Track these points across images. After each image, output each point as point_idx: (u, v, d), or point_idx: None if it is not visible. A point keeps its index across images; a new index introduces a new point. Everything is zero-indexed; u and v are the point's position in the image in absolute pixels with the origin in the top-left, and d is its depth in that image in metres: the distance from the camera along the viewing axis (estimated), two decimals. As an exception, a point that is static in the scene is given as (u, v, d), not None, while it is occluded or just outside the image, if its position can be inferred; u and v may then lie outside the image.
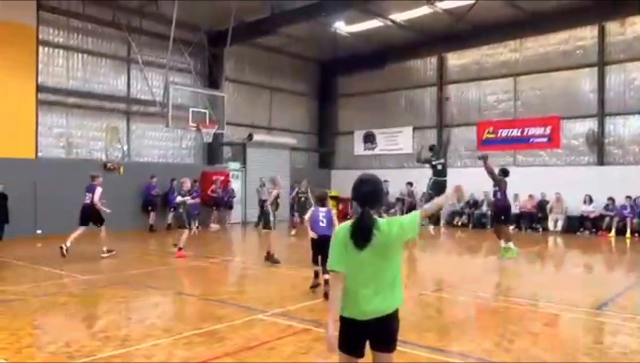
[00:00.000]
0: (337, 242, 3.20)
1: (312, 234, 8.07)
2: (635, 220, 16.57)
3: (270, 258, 10.98)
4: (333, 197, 20.60)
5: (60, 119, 16.73)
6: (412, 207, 15.03)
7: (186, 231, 12.07)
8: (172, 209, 17.81)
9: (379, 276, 3.14)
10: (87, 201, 11.49)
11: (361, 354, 3.20)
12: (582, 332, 6.46)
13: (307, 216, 8.38)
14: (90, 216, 11.50)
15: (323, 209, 8.15)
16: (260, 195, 17.26)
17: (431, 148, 15.28)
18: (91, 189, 11.54)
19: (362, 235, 3.10)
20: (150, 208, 17.43)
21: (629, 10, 17.35)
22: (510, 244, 11.37)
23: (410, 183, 20.23)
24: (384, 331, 3.19)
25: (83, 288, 8.50)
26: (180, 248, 11.78)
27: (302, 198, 16.61)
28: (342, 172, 24.54)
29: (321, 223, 7.98)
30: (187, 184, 12.44)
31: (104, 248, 11.66)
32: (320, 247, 7.67)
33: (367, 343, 3.21)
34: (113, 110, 17.96)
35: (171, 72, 17.19)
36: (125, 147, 18.25)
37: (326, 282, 7.31)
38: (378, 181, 3.34)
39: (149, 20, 18.19)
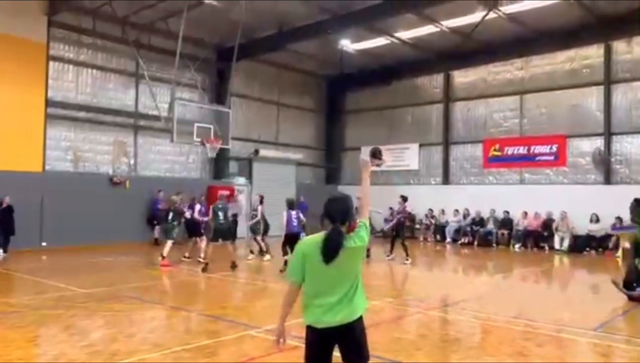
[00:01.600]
0: (298, 254, 3.38)
1: (286, 231, 11.33)
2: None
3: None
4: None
5: (68, 132, 16.99)
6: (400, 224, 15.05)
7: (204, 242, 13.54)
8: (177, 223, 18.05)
9: (342, 286, 3.31)
10: (188, 216, 14.08)
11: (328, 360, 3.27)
12: (574, 353, 6.38)
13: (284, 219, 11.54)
14: (193, 229, 14.25)
15: (293, 212, 11.60)
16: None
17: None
18: (191, 206, 14.30)
19: (331, 251, 3.22)
20: (155, 222, 17.55)
21: (636, 30, 17.33)
22: None
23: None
24: (351, 338, 3.32)
25: (80, 302, 8.56)
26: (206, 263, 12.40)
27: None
28: (349, 188, 24.48)
29: (294, 223, 11.50)
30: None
31: (201, 257, 13.18)
32: (292, 241, 10.86)
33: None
34: (121, 124, 18.22)
35: (178, 88, 17.41)
36: (132, 161, 18.46)
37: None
38: (347, 198, 3.49)
39: (157, 37, 18.49)
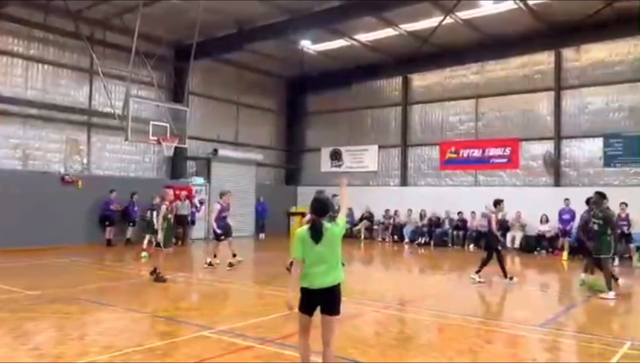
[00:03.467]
0: (297, 240, 4.75)
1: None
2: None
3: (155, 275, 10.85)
4: (300, 213, 20.64)
5: (17, 129, 16.35)
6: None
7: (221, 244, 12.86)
8: (131, 224, 17.67)
9: (327, 259, 4.66)
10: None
11: (311, 314, 4.72)
12: (522, 348, 6.58)
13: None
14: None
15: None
16: (180, 210, 17.14)
17: None
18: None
19: (316, 235, 4.66)
20: (107, 223, 17.09)
21: (584, 39, 18.07)
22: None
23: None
24: (330, 298, 4.67)
25: (28, 304, 8.25)
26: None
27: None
28: (309, 188, 24.51)
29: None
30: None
31: (208, 260, 12.96)
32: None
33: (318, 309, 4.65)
34: (73, 122, 17.65)
35: (134, 85, 17.04)
36: (85, 160, 17.92)
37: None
38: (326, 199, 4.94)
39: (112, 32, 18.04)
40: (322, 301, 4.65)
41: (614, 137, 17.92)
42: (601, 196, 10.32)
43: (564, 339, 7.01)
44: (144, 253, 14.45)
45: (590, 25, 16.75)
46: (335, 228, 4.71)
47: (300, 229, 4.82)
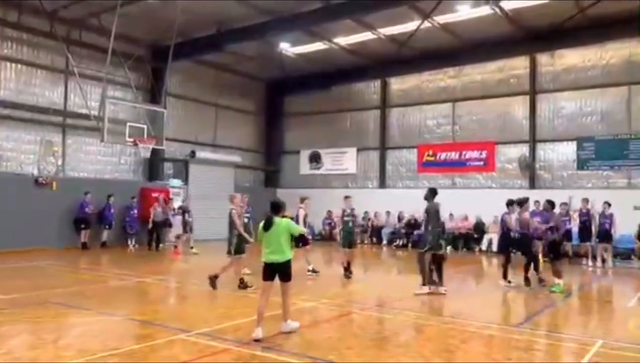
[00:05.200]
0: (260, 228, 6.93)
1: None
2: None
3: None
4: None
5: (-11, 130, 16.02)
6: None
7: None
8: (107, 227, 17.43)
9: (275, 242, 6.78)
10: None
11: (272, 280, 6.76)
12: (496, 348, 6.68)
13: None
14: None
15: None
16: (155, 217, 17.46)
17: None
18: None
19: (266, 224, 6.86)
20: (83, 226, 16.81)
21: (558, 44, 18.49)
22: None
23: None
24: (282, 270, 6.79)
25: (1, 308, 8.08)
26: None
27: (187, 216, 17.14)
28: (288, 191, 24.49)
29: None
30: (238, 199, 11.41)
31: (310, 267, 12.29)
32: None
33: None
34: (48, 123, 17.33)
35: (110, 86, 16.86)
36: (60, 162, 17.62)
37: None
38: (281, 202, 7.17)
39: (89, 33, 17.80)
40: (276, 271, 6.75)
41: (587, 140, 18.35)
42: (431, 192, 10.82)
43: (538, 338, 7.14)
44: (194, 250, 16.42)
45: (564, 31, 17.15)
46: (283, 223, 6.84)
47: (261, 223, 6.90)
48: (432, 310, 8.82)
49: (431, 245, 10.29)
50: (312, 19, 16.98)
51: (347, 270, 12.21)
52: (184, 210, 16.91)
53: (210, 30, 18.37)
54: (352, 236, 12.51)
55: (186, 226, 16.73)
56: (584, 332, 7.72)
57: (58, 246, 16.23)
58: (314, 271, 12.21)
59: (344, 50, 20.41)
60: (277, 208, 6.96)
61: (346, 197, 12.80)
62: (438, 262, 10.35)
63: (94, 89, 17.92)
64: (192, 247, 16.65)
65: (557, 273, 10.75)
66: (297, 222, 12.36)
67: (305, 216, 12.56)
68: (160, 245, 17.60)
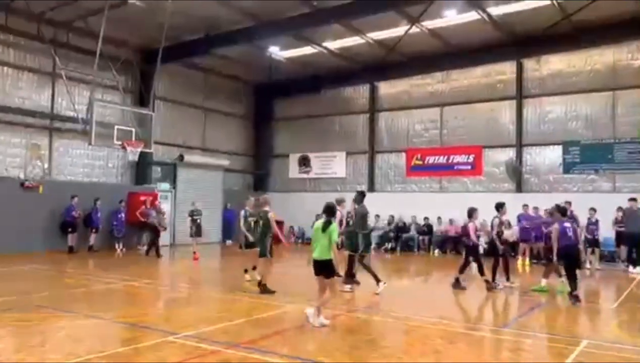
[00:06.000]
0: (315, 228, 7.68)
1: None
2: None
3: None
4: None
5: (-26, 133, 15.85)
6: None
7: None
8: (94, 230, 17.30)
9: (321, 242, 7.52)
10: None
11: (319, 276, 7.61)
12: (483, 348, 6.74)
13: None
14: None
15: None
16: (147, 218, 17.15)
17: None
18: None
19: (324, 226, 7.52)
20: (70, 229, 16.66)
21: (544, 50, 18.72)
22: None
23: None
24: (325, 267, 7.50)
25: (-16, 312, 7.99)
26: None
27: (198, 220, 16.23)
28: (277, 194, 24.49)
29: None
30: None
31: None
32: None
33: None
34: (34, 126, 17.16)
35: (98, 89, 16.76)
36: (46, 165, 17.46)
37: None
38: (333, 205, 7.93)
39: (76, 35, 17.70)
40: (320, 268, 7.52)
41: (573, 145, 18.56)
42: (360, 194, 11.00)
43: (524, 339, 7.20)
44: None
45: (550, 37, 17.36)
46: (331, 227, 7.49)
47: (317, 222, 7.78)
48: (419, 312, 8.86)
49: (364, 247, 10.75)
50: (301, 23, 17.04)
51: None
52: (193, 214, 16.13)
53: (199, 34, 18.37)
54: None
55: (199, 229, 16.08)
56: (569, 332, 7.81)
57: (44, 250, 16.07)
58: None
59: (332, 55, 20.50)
60: (330, 211, 7.72)
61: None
62: (357, 261, 10.77)
63: (81, 92, 17.80)
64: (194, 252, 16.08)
65: (546, 274, 11.02)
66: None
67: (342, 218, 12.56)
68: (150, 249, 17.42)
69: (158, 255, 16.35)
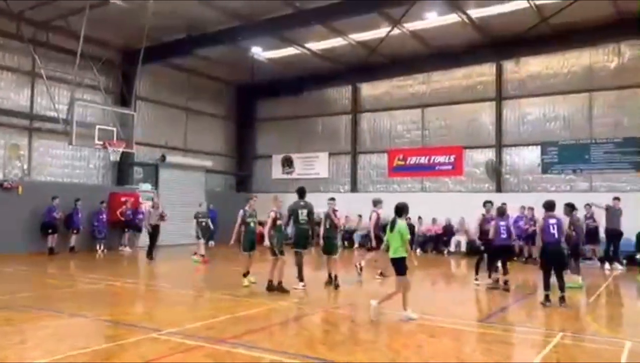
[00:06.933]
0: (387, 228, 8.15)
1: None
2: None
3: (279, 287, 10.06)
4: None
5: (-49, 133, 15.60)
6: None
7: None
8: (75, 231, 17.13)
9: (394, 242, 7.93)
10: None
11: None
12: (464, 342, 6.88)
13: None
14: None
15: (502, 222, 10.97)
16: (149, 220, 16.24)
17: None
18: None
19: (392, 226, 7.99)
20: (50, 231, 16.46)
21: (523, 52, 19.08)
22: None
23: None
24: (393, 265, 8.01)
25: (-37, 312, 7.90)
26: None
27: (203, 222, 15.52)
28: (260, 195, 24.35)
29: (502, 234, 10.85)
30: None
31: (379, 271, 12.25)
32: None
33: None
34: (13, 126, 16.96)
35: (79, 89, 16.60)
36: (26, 166, 17.25)
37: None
38: (406, 205, 8.30)
39: (57, 35, 17.54)
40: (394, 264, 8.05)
41: (551, 145, 18.94)
42: (298, 192, 10.99)
43: (503, 332, 7.37)
44: (195, 257, 15.08)
45: (528, 40, 17.69)
46: (401, 227, 7.93)
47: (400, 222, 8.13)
48: (400, 308, 8.96)
49: (296, 243, 10.75)
50: (283, 24, 17.13)
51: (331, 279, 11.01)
52: (198, 217, 15.56)
53: (181, 34, 18.33)
54: (331, 240, 11.20)
55: (205, 232, 15.48)
56: (545, 325, 8.01)
57: (25, 251, 15.85)
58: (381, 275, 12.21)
59: (315, 56, 20.60)
60: (401, 211, 8.10)
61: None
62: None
63: (61, 92, 17.62)
64: (195, 254, 15.38)
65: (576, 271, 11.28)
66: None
67: (378, 219, 12.55)
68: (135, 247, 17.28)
69: (150, 257, 15.78)
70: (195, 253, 15.40)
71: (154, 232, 16.08)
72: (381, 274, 12.21)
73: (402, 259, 7.90)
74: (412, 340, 6.73)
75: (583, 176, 18.53)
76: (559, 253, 9.39)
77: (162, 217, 16.33)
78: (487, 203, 12.06)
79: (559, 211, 10.16)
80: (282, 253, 10.16)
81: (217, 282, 11.97)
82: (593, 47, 18.30)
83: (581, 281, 11.31)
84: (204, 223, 15.41)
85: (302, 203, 10.90)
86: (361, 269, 12.45)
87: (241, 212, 10.91)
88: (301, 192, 11.03)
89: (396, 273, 7.99)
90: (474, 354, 6.25)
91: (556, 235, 9.22)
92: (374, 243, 12.34)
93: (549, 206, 9.59)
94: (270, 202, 10.81)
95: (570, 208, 11.30)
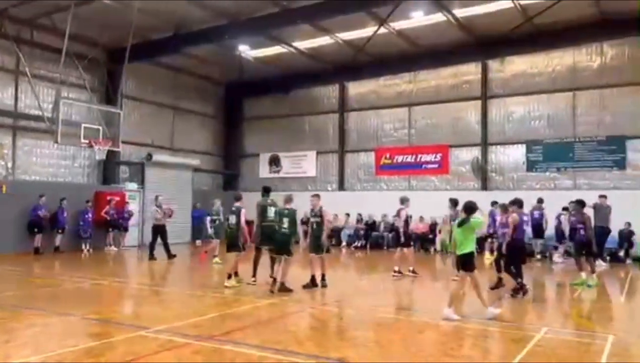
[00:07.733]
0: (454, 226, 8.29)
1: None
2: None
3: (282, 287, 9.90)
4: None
5: None
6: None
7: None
8: (60, 231, 16.98)
9: (460, 238, 7.90)
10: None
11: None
12: (450, 337, 6.98)
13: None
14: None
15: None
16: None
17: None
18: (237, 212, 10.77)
19: (460, 223, 7.97)
20: (36, 230, 16.31)
21: (508, 51, 19.29)
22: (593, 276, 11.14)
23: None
24: (461, 261, 7.96)
25: (-52, 312, 7.83)
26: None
27: (217, 221, 15.02)
28: (247, 194, 24.34)
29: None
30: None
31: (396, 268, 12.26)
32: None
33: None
34: (-3, 124, 16.81)
35: (64, 87, 16.46)
36: (10, 164, 17.07)
37: None
38: (473, 203, 8.13)
39: (41, 33, 17.37)
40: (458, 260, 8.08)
41: (536, 144, 19.20)
42: (264, 190, 11.20)
43: (489, 327, 7.48)
44: (216, 259, 14.47)
45: (513, 39, 17.86)
46: (472, 221, 7.92)
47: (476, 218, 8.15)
48: (387, 305, 9.06)
49: (260, 240, 10.61)
50: (270, 23, 17.13)
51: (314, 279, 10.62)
52: (213, 215, 15.15)
53: (168, 33, 18.24)
54: (319, 240, 10.80)
55: (217, 231, 14.93)
56: (530, 321, 8.15)
57: (12, 251, 15.67)
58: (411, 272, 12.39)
59: (302, 55, 20.64)
60: (470, 209, 8.02)
61: (314, 196, 11.54)
62: (270, 257, 10.62)
63: (46, 90, 17.47)
64: (215, 256, 14.74)
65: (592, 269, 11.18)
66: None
67: (407, 217, 12.66)
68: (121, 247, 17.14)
69: (152, 257, 15.29)
70: (215, 256, 14.68)
71: (162, 232, 15.72)
72: (413, 272, 12.40)
73: (471, 254, 7.81)
74: (399, 335, 6.82)
75: (567, 174, 18.80)
76: (524, 247, 10.38)
77: (169, 216, 16.36)
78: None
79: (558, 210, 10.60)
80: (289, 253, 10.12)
81: (203, 280, 11.95)
82: (576, 47, 18.57)
83: (592, 281, 10.94)
84: (217, 222, 14.91)
85: (269, 200, 10.92)
86: (399, 272, 12.30)
87: (244, 210, 10.80)
88: (267, 191, 11.15)
89: (464, 269, 7.85)
90: (460, 349, 6.35)
91: (525, 231, 10.34)
92: (402, 240, 12.67)
93: (520, 204, 10.34)
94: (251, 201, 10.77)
95: (580, 205, 11.26)
